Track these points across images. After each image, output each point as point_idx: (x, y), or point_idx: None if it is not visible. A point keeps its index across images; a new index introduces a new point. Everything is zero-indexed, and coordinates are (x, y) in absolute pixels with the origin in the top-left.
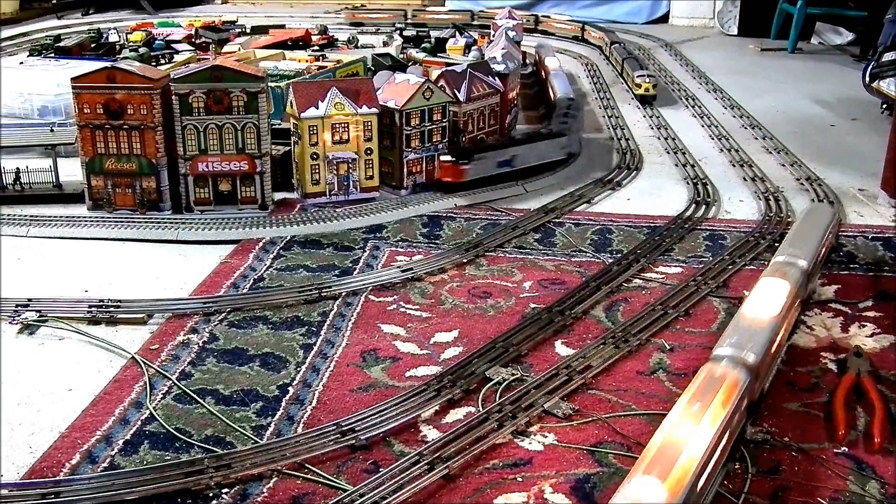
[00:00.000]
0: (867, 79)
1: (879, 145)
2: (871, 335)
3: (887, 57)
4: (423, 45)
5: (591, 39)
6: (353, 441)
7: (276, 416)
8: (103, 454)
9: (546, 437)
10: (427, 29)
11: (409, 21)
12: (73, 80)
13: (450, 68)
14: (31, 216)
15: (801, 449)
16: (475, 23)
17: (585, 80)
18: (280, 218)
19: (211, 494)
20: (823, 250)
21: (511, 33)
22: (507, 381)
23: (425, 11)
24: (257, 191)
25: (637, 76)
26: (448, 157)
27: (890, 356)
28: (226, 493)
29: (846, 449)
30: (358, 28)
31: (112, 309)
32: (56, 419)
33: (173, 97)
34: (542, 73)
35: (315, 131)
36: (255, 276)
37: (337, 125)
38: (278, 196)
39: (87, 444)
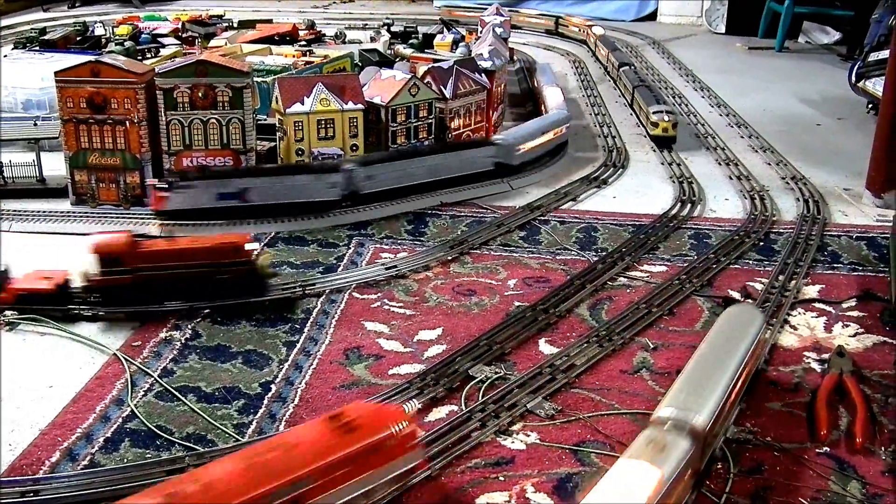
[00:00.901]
0: (853, 78)
1: (865, 145)
2: (855, 335)
3: (873, 57)
4: (410, 41)
5: (600, 58)
6: None
7: (259, 414)
8: (83, 452)
9: (529, 436)
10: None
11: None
12: (57, 73)
13: (436, 65)
14: (14, 211)
15: (783, 448)
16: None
17: (573, 77)
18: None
19: None
20: (740, 385)
21: (498, 30)
22: (490, 380)
23: (519, 13)
24: None
25: (653, 112)
26: (154, 182)
27: (873, 356)
28: None
29: (828, 449)
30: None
31: (94, 305)
32: (36, 416)
33: (158, 92)
34: (542, 109)
35: (300, 127)
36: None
37: (322, 121)
38: None
39: (67, 442)
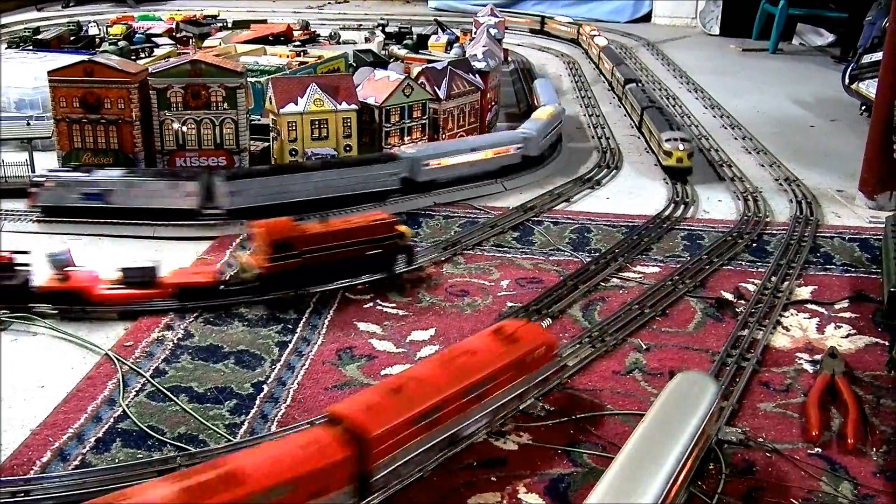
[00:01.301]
0: (847, 80)
1: (858, 146)
2: (847, 336)
3: (867, 59)
4: (404, 42)
5: (604, 72)
6: None
7: (250, 414)
8: (75, 452)
9: (521, 436)
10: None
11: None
12: (50, 73)
13: (430, 65)
14: (6, 210)
15: (774, 449)
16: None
17: (567, 78)
18: None
19: None
20: (682, 478)
21: (493, 31)
22: None
23: (553, 19)
24: None
25: (667, 140)
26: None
27: (865, 357)
28: None
29: (820, 450)
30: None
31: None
32: (27, 416)
33: (151, 91)
34: None
35: (294, 127)
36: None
37: (316, 121)
38: None
39: (58, 442)
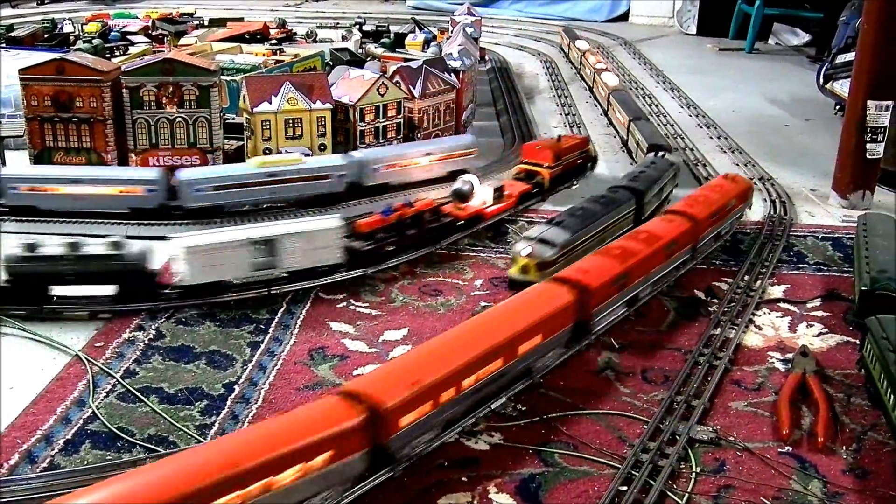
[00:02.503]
0: (821, 80)
1: (832, 146)
2: (819, 335)
3: (841, 59)
4: (381, 41)
5: (617, 124)
6: None
7: (221, 415)
8: (43, 454)
9: (493, 436)
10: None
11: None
12: (22, 71)
13: (405, 64)
14: None
15: (745, 448)
16: None
17: (544, 77)
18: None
19: None
20: None
21: (469, 29)
22: None
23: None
24: None
25: (525, 236)
26: None
27: (836, 356)
28: None
29: (790, 448)
30: None
31: (58, 305)
32: None
33: (124, 90)
34: None
35: (268, 126)
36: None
37: (290, 120)
38: None
39: (26, 444)
